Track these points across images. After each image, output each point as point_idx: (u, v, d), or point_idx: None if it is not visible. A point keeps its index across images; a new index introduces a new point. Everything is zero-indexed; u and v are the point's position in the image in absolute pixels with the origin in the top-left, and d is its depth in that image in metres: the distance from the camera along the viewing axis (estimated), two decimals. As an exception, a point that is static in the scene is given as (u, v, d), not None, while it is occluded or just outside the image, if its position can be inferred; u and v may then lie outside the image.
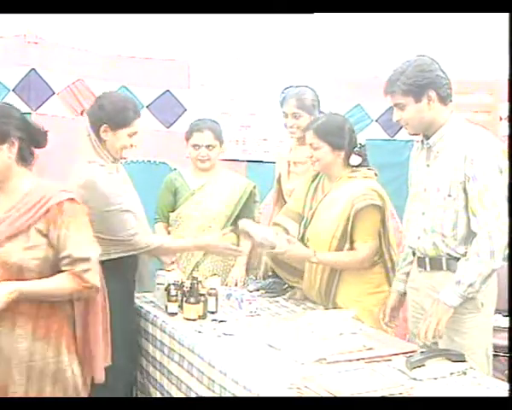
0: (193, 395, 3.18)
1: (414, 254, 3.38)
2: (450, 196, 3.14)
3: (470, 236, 3.12)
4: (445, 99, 3.19)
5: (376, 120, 5.62)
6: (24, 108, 4.39)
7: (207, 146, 4.31)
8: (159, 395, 3.58)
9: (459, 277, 3.08)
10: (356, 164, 3.77)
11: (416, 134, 3.33)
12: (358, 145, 3.80)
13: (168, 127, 5.22)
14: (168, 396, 3.45)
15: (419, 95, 3.14)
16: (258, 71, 5.36)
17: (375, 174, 3.85)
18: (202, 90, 5.29)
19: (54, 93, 4.70)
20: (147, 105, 5.14)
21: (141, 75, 5.13)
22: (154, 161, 5.12)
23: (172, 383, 3.41)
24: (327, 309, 3.71)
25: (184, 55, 5.21)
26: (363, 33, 5.39)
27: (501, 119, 5.82)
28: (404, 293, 3.51)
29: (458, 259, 3.15)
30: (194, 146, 4.33)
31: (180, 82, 5.25)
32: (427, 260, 3.27)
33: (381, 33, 5.40)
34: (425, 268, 3.29)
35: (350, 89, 5.56)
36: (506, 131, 5.45)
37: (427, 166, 3.27)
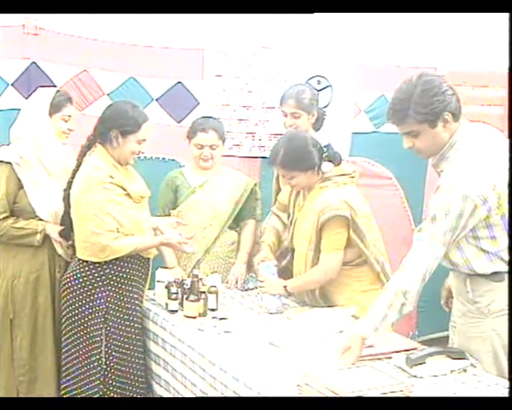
0: (198, 392, 3.48)
1: None
2: None
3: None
4: (457, 115, 3.21)
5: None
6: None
7: (211, 146, 4.61)
8: (163, 392, 3.89)
9: (385, 311, 3.13)
10: (329, 170, 4.03)
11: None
12: (324, 150, 4.03)
13: (179, 122, 5.24)
14: (174, 392, 3.75)
15: (435, 121, 3.15)
16: (279, 61, 5.43)
17: (352, 177, 4.09)
18: (217, 82, 5.31)
19: (56, 87, 4.56)
20: (156, 98, 5.18)
21: (150, 65, 5.13)
22: (163, 158, 5.21)
23: (178, 380, 3.71)
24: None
25: (197, 43, 5.22)
26: (382, 25, 5.54)
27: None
28: None
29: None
30: (198, 145, 4.62)
31: (193, 73, 5.26)
32: None
33: (399, 25, 5.57)
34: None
35: (374, 78, 5.69)
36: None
37: None
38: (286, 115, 4.77)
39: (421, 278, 3.12)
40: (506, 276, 3.18)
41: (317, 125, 4.88)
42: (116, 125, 3.99)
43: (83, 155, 4.06)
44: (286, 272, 4.24)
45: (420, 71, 3.28)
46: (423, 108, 3.13)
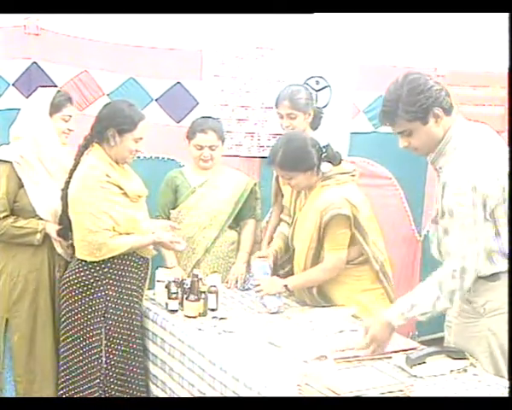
0: (195, 392, 3.50)
1: None
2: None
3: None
4: (448, 110, 3.26)
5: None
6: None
7: (210, 147, 4.65)
8: (159, 392, 3.92)
9: (415, 301, 3.19)
10: (328, 170, 4.05)
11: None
12: (324, 150, 4.06)
13: (178, 122, 5.26)
14: (170, 392, 3.78)
15: (425, 117, 3.21)
16: (277, 61, 5.45)
17: (353, 175, 4.12)
18: (216, 82, 5.32)
19: (56, 87, 4.58)
20: (156, 98, 5.21)
21: (150, 66, 5.15)
22: (163, 158, 5.23)
23: (174, 380, 3.74)
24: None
25: (196, 43, 5.24)
26: (381, 25, 5.58)
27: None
28: None
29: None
30: (197, 146, 4.66)
31: (192, 73, 5.27)
32: None
33: (399, 26, 5.62)
34: None
35: (373, 78, 5.69)
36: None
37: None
38: (282, 117, 4.78)
39: (457, 273, 3.11)
40: (502, 275, 3.20)
41: (315, 124, 4.90)
42: (113, 123, 4.02)
43: (80, 154, 4.09)
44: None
45: (408, 70, 3.33)
46: (411, 106, 3.19)
